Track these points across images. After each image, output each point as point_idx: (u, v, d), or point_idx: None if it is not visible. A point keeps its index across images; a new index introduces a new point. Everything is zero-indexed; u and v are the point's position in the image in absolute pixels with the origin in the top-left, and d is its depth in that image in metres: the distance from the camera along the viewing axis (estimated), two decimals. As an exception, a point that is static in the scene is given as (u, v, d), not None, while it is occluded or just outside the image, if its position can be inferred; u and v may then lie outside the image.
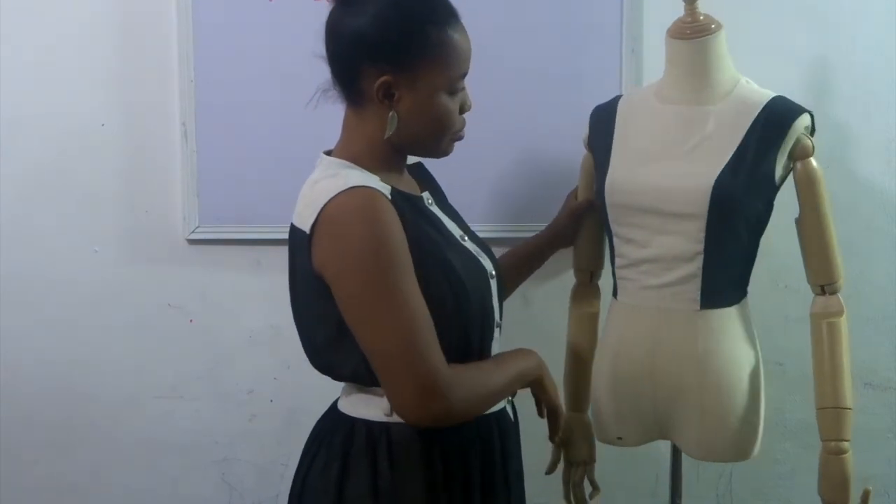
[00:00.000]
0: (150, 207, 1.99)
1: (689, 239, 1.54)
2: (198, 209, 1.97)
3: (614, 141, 1.63)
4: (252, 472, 2.08)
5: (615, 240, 1.63)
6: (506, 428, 1.40)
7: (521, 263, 1.76)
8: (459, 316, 1.29)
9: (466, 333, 1.31)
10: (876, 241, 2.14)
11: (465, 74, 1.32)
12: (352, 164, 1.29)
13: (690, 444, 1.62)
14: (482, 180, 1.95)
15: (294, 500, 1.38)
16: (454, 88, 1.30)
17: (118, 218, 1.99)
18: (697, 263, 1.55)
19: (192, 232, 1.97)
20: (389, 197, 1.25)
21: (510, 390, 1.39)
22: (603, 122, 1.68)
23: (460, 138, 1.36)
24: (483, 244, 1.45)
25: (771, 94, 1.60)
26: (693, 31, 1.58)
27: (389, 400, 1.25)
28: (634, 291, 1.60)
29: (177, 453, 2.06)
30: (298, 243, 1.27)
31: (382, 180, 1.28)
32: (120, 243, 2.00)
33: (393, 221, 1.22)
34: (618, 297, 1.65)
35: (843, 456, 1.56)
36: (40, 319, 2.00)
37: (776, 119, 1.56)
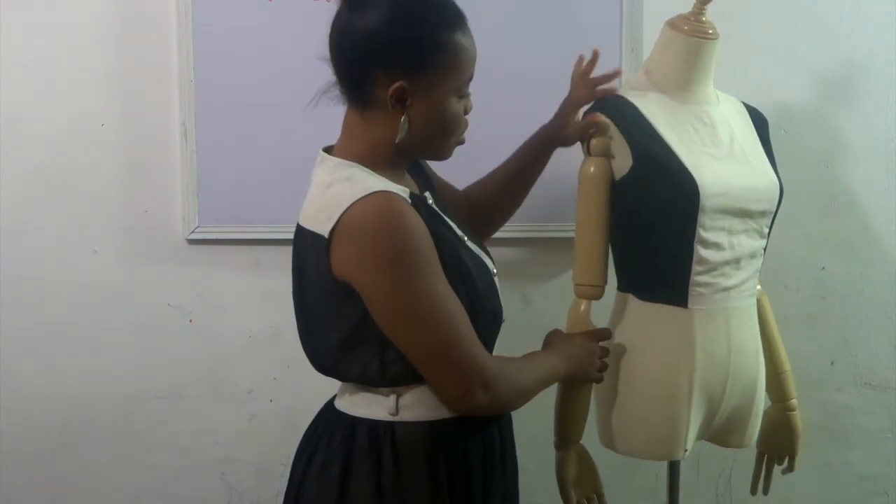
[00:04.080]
0: (150, 207, 1.99)
1: (758, 236, 1.61)
2: (197, 209, 1.97)
3: (669, 142, 1.55)
4: (252, 472, 2.08)
5: (697, 246, 1.54)
6: (504, 420, 1.42)
7: (517, 174, 1.65)
8: (474, 315, 1.29)
9: (480, 332, 1.31)
10: (876, 241, 2.14)
11: (472, 76, 1.32)
12: (361, 167, 1.28)
13: (738, 436, 1.69)
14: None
15: (290, 500, 1.38)
16: (463, 92, 1.31)
17: (118, 218, 1.99)
18: (761, 258, 1.63)
19: (192, 232, 1.97)
20: (409, 200, 1.25)
21: (541, 388, 1.40)
22: (631, 121, 1.57)
23: (462, 142, 1.36)
24: (480, 243, 1.45)
25: (733, 95, 1.70)
26: (713, 33, 1.58)
27: (438, 395, 1.27)
28: (710, 296, 1.57)
29: (177, 453, 2.06)
30: (311, 246, 1.26)
31: (393, 182, 1.28)
32: (120, 243, 2.00)
33: (418, 224, 1.23)
34: (688, 305, 1.57)
35: (797, 412, 1.81)
36: (40, 320, 2.00)
37: (762, 121, 1.69)
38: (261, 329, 2.03)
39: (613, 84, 1.61)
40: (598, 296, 1.61)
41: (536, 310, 2.03)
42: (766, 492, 1.87)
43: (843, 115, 2.09)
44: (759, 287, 1.71)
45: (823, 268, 2.14)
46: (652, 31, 1.94)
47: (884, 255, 2.15)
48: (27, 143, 1.96)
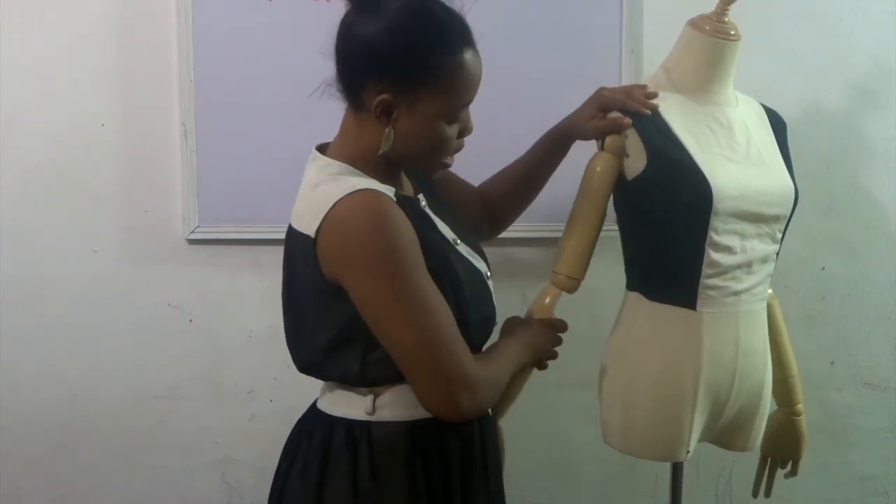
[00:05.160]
0: (150, 207, 1.99)
1: (771, 240, 1.60)
2: (197, 209, 1.96)
3: (684, 143, 1.54)
4: (251, 472, 2.08)
5: (708, 249, 1.53)
6: (484, 421, 1.41)
7: (536, 167, 1.64)
8: (461, 320, 1.28)
9: (468, 336, 1.30)
10: (876, 241, 2.15)
11: (469, 102, 1.30)
12: (352, 169, 1.28)
13: (743, 439, 1.68)
14: (480, 181, 1.95)
15: (274, 499, 1.38)
16: (455, 117, 1.28)
17: (118, 218, 1.99)
18: (773, 263, 1.62)
19: (192, 232, 1.97)
20: (395, 199, 1.25)
21: (509, 379, 1.41)
22: (647, 120, 1.55)
23: (448, 165, 1.36)
24: (475, 245, 1.45)
25: (748, 96, 1.69)
26: (735, 34, 1.58)
27: (420, 398, 1.25)
28: (720, 299, 1.56)
29: (177, 453, 2.06)
30: (300, 247, 1.26)
31: (381, 183, 1.28)
32: (120, 243, 2.00)
33: (403, 222, 1.22)
34: (697, 307, 1.56)
35: (804, 416, 1.82)
36: (40, 320, 2.00)
37: (781, 124, 1.69)
38: (261, 329, 2.03)
39: (653, 104, 1.55)
40: (572, 289, 1.61)
41: (536, 310, 2.03)
42: (767, 495, 1.87)
43: (842, 116, 2.09)
44: (770, 291, 1.71)
45: (823, 268, 2.14)
46: (652, 31, 1.95)
47: (884, 255, 2.15)
48: (27, 143, 1.96)
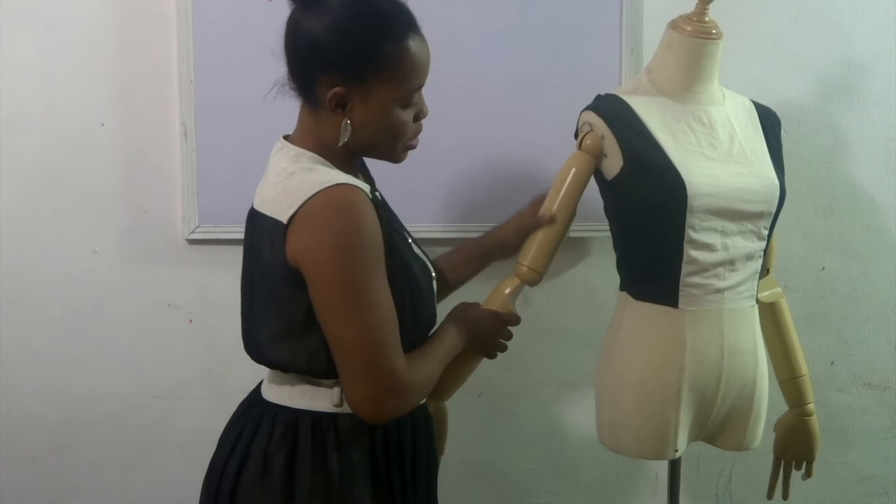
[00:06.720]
0: (150, 207, 1.99)
1: (756, 237, 1.59)
2: (197, 209, 1.97)
3: (660, 142, 1.55)
4: (252, 472, 2.08)
5: (686, 246, 1.55)
6: (422, 405, 1.43)
7: (467, 265, 1.67)
8: (414, 316, 1.31)
9: (417, 333, 1.34)
10: (876, 241, 2.15)
11: (420, 87, 1.32)
12: (323, 160, 1.30)
13: (737, 438, 1.67)
14: (481, 181, 1.95)
15: (224, 497, 1.37)
16: (408, 101, 1.31)
17: (118, 218, 1.99)
18: (759, 260, 1.61)
19: (192, 232, 1.97)
20: (370, 196, 1.27)
21: (441, 372, 1.41)
22: (623, 122, 1.58)
23: (412, 147, 1.37)
24: (419, 245, 1.46)
25: (740, 94, 1.68)
26: (717, 32, 1.58)
27: (346, 394, 1.26)
28: (702, 297, 1.57)
29: (177, 453, 2.06)
30: (268, 232, 1.28)
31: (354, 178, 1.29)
32: (120, 243, 2.00)
33: (374, 222, 1.25)
34: (679, 305, 1.57)
35: (815, 416, 1.79)
36: (40, 319, 2.00)
37: (773, 120, 1.69)
38: (261, 329, 2.03)
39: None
40: (533, 281, 1.61)
41: (536, 310, 2.03)
42: (785, 497, 1.86)
43: (843, 116, 2.09)
44: (778, 289, 1.71)
45: (823, 268, 2.14)
46: (652, 31, 1.95)
47: (884, 255, 2.15)
48: (27, 143, 1.96)
